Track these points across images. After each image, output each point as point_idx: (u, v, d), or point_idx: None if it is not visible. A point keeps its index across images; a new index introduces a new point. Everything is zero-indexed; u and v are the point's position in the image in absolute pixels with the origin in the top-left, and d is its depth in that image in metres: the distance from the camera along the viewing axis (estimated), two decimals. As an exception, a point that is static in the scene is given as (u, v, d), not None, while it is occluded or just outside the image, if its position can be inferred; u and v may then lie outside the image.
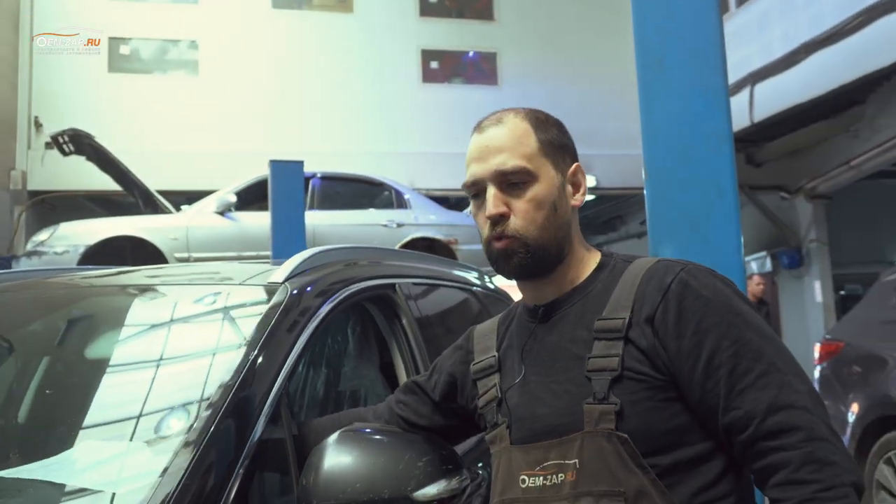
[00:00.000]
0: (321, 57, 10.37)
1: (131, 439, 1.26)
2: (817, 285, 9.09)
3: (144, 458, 1.19)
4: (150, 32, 10.11)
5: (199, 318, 1.64)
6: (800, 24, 7.07)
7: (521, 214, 1.06)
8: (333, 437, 1.14)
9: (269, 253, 6.03)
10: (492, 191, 1.07)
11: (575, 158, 1.14)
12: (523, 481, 1.03)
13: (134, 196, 7.16)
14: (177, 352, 1.54)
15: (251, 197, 6.92)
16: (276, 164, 5.93)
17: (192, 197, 9.24)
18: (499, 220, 1.06)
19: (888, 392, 3.86)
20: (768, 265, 9.89)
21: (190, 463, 1.05)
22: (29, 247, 6.54)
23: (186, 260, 6.35)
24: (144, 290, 1.83)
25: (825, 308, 8.97)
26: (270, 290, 1.51)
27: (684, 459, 0.96)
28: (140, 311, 1.72)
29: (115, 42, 9.78)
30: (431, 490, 1.09)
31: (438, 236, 7.36)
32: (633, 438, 0.95)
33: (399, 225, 7.27)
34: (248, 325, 1.40)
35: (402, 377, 1.90)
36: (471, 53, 11.05)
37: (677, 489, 0.94)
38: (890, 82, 7.15)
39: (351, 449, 1.11)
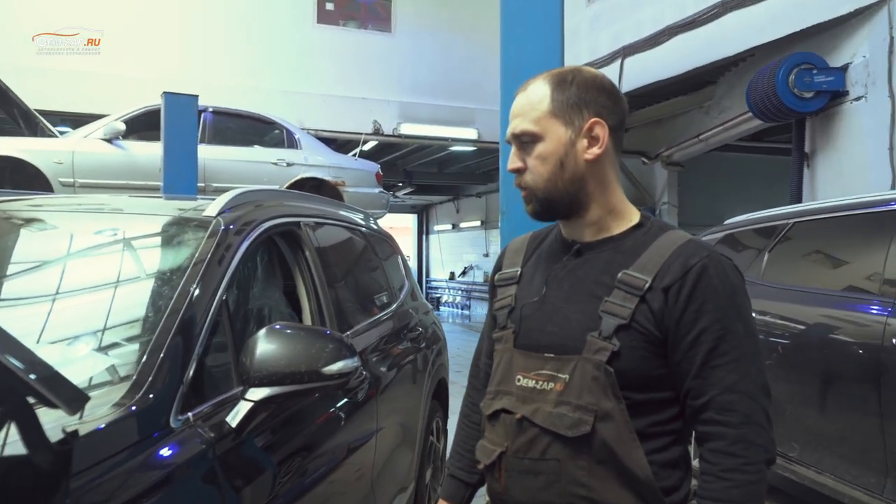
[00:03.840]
0: (213, -15, 10.13)
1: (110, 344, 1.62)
2: (665, 243, 10.16)
3: (121, 358, 1.57)
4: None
5: (148, 246, 2.00)
6: (665, 9, 7.76)
7: (530, 169, 1.23)
8: (263, 331, 1.58)
9: (158, 184, 6.07)
10: (512, 149, 1.26)
11: (598, 115, 1.21)
12: (518, 380, 1.22)
13: (12, 116, 6.87)
14: (126, 275, 1.89)
15: (140, 126, 6.79)
16: (169, 97, 5.88)
17: (66, 118, 8.92)
18: (516, 173, 1.26)
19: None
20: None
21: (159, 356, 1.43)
22: None
23: (71, 185, 6.22)
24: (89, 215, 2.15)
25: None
26: (205, 223, 1.90)
27: (654, 399, 1.17)
28: (89, 237, 2.05)
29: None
30: (334, 367, 1.56)
31: (327, 177, 7.53)
32: (618, 374, 1.13)
33: (289, 164, 7.37)
34: (187, 254, 1.78)
35: (304, 299, 2.34)
36: (367, -2, 11.13)
37: (638, 419, 1.15)
38: (738, 68, 8.06)
39: (277, 339, 1.56)
